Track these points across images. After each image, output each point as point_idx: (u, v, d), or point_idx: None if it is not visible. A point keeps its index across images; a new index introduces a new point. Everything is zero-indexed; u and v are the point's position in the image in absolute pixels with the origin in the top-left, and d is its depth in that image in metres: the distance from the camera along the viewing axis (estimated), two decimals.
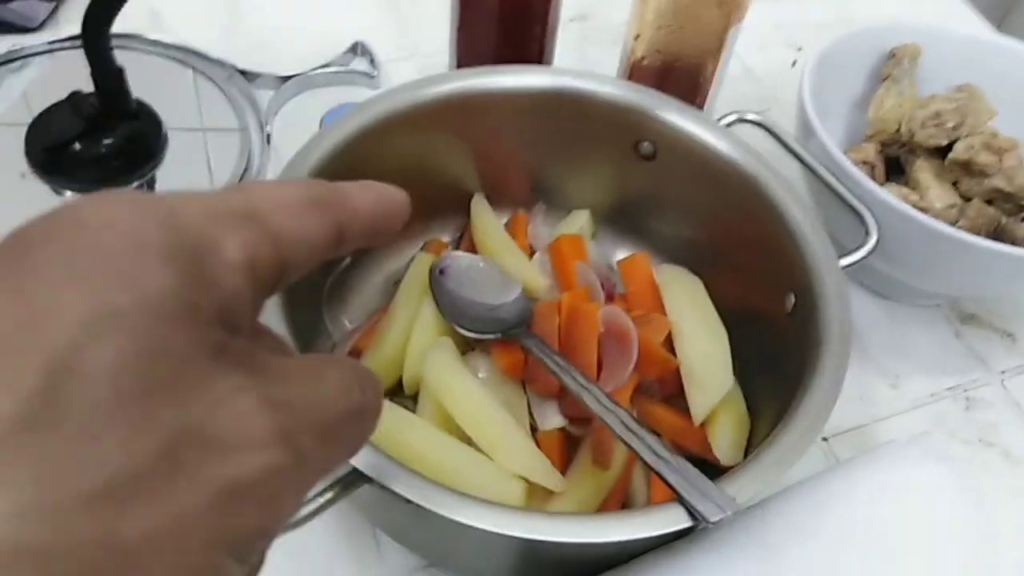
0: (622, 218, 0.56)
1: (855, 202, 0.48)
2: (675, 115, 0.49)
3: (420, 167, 0.52)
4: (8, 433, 0.14)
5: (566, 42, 0.72)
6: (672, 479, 0.34)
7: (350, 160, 0.46)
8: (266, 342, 0.20)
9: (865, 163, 0.55)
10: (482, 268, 0.48)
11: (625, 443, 0.36)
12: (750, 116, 0.51)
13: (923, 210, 0.51)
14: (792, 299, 0.44)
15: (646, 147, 0.51)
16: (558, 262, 0.50)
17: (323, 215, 0.20)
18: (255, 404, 0.17)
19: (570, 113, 0.51)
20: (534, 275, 0.49)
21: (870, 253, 0.46)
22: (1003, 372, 0.54)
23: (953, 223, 0.50)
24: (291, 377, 0.18)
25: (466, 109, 0.50)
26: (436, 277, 0.47)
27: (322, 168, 0.45)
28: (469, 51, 0.57)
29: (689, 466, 0.34)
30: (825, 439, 0.50)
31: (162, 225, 0.17)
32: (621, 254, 0.55)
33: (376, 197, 0.22)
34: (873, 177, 0.55)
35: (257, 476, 0.16)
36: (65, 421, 0.14)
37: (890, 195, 0.47)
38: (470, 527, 0.32)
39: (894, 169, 0.57)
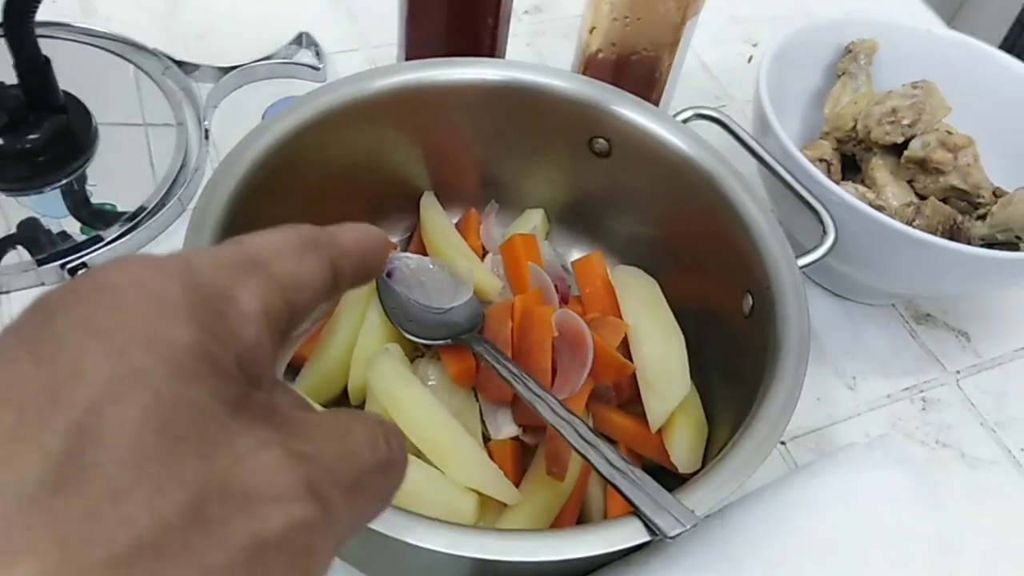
0: (577, 217, 0.54)
1: (813, 200, 0.47)
2: (630, 111, 0.48)
3: (367, 163, 0.49)
4: (32, 497, 0.14)
5: (520, 34, 0.70)
6: (629, 492, 0.33)
7: (292, 155, 0.44)
8: (287, 395, 0.20)
9: (821, 160, 0.54)
10: (431, 270, 0.46)
11: (580, 454, 0.35)
12: (707, 112, 0.50)
13: (879, 208, 0.50)
14: (750, 300, 0.43)
15: (600, 144, 0.49)
16: (511, 263, 0.48)
17: (318, 255, 0.21)
18: (280, 457, 0.17)
19: (522, 108, 0.49)
20: (486, 277, 0.47)
21: (828, 252, 0.45)
22: (958, 372, 0.54)
23: (909, 222, 0.49)
24: (316, 430, 0.18)
25: (414, 103, 0.48)
26: (383, 280, 0.45)
27: (262, 162, 0.42)
28: (418, 43, 0.55)
29: (647, 478, 0.33)
30: (783, 442, 0.49)
31: (180, 282, 0.17)
32: (577, 254, 0.54)
33: (360, 235, 0.23)
34: (830, 174, 0.54)
35: (285, 530, 0.16)
36: (89, 483, 0.14)
37: (848, 193, 0.46)
38: (420, 548, 0.30)
39: (850, 167, 0.57)
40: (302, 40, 0.64)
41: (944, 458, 0.49)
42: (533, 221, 0.53)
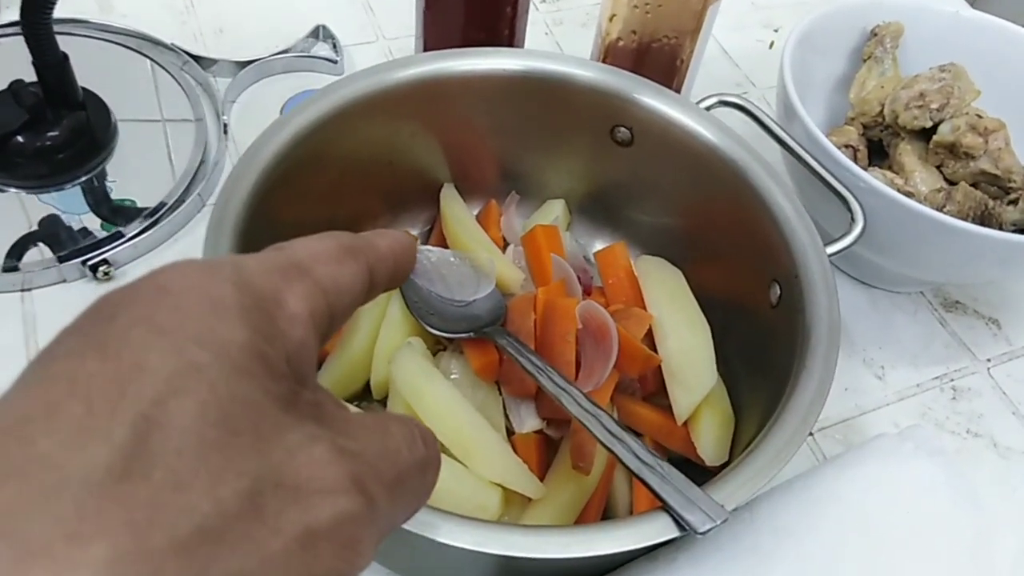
0: (599, 207, 0.53)
1: (840, 187, 0.46)
2: (652, 98, 0.47)
3: (387, 156, 0.49)
4: (101, 484, 0.14)
5: (537, 23, 0.70)
6: (658, 487, 0.32)
7: (311, 149, 0.44)
8: (328, 396, 0.21)
9: (847, 146, 0.53)
10: (452, 263, 0.46)
11: (607, 448, 0.34)
12: (731, 98, 0.49)
13: (908, 194, 0.49)
14: (777, 290, 0.42)
15: (623, 133, 0.49)
16: (533, 255, 0.47)
17: (357, 261, 0.22)
18: (328, 452, 0.17)
19: (543, 98, 0.48)
20: (508, 269, 0.46)
21: (857, 240, 0.44)
22: (989, 360, 0.53)
23: (939, 208, 0.48)
24: (360, 428, 0.19)
25: (433, 94, 0.47)
26: None
27: (281, 157, 0.42)
28: (436, 34, 0.54)
29: (676, 472, 0.32)
30: (811, 434, 0.48)
31: (232, 284, 0.18)
32: (599, 245, 0.53)
33: (392, 240, 0.24)
34: (856, 160, 0.53)
35: (334, 521, 0.17)
36: (154, 471, 0.15)
37: (876, 180, 0.45)
38: (447, 545, 0.29)
39: (877, 152, 0.56)
40: (319, 33, 0.63)
41: (975, 448, 0.48)
42: (554, 212, 0.52)
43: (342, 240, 0.22)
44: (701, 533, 0.30)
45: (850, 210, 0.45)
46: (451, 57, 0.47)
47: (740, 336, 0.45)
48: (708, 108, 0.49)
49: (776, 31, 0.72)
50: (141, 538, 0.14)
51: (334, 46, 0.63)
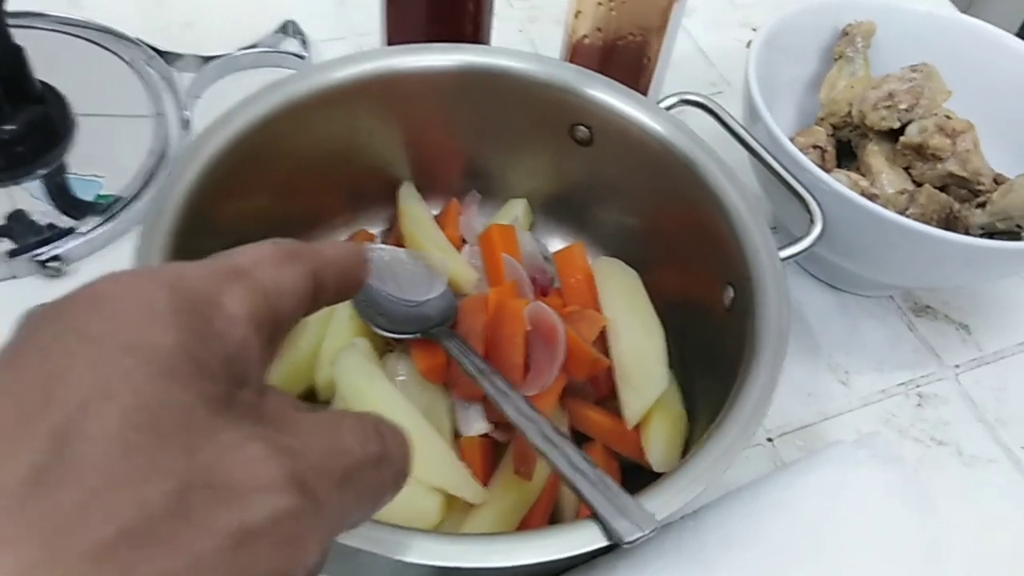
0: (562, 207, 0.53)
1: (801, 189, 0.45)
2: (610, 96, 0.46)
3: (343, 153, 0.48)
4: (17, 495, 0.15)
5: (511, 20, 0.69)
6: (588, 494, 0.31)
7: (261, 144, 0.43)
8: (279, 397, 0.21)
9: (815, 147, 0.52)
10: (406, 262, 0.45)
11: (541, 454, 0.33)
12: (693, 97, 0.49)
13: (873, 196, 0.48)
14: (731, 293, 0.41)
15: (582, 132, 0.48)
16: (488, 255, 0.47)
17: (299, 264, 0.22)
18: (264, 451, 0.17)
19: (502, 96, 0.48)
20: (461, 269, 0.46)
21: (815, 243, 0.43)
22: (957, 366, 0.52)
23: (903, 211, 0.47)
24: (306, 427, 0.19)
25: (388, 90, 0.47)
26: None
27: (227, 152, 0.41)
28: (399, 30, 0.54)
29: (608, 480, 0.32)
30: (770, 439, 0.47)
31: (169, 289, 0.19)
32: (561, 244, 0.52)
33: (340, 249, 0.24)
34: (824, 162, 0.52)
35: (270, 519, 0.17)
36: (74, 478, 0.15)
37: (836, 181, 0.44)
38: (359, 550, 0.29)
39: (847, 154, 0.55)
40: (288, 28, 0.63)
41: (939, 456, 0.47)
42: (515, 211, 0.52)
43: (283, 246, 0.22)
44: (628, 543, 0.30)
45: (809, 212, 0.44)
46: (405, 53, 0.46)
47: (697, 338, 0.44)
48: (671, 107, 0.48)
49: (755, 30, 0.71)
50: (54, 545, 0.14)
51: (303, 42, 0.62)
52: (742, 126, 0.48)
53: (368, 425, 0.21)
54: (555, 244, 0.53)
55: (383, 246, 0.46)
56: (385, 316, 0.42)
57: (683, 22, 0.70)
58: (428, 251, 0.46)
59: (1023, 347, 0.53)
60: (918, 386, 0.50)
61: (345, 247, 0.24)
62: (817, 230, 0.43)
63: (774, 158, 0.46)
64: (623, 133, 0.46)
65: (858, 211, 0.44)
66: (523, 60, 0.46)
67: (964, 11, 0.76)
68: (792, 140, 0.53)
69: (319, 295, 0.23)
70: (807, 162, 0.45)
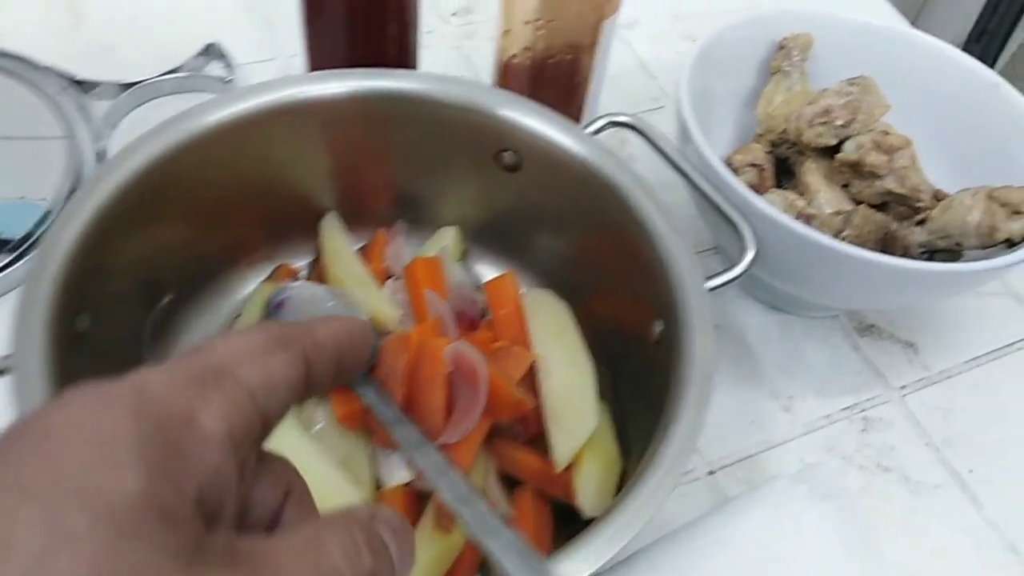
0: (495, 233, 0.51)
1: (732, 213, 0.43)
2: (534, 121, 0.44)
3: (263, 182, 0.46)
4: None
5: (448, 37, 0.67)
6: (500, 554, 0.29)
7: (174, 172, 0.41)
8: (255, 511, 0.19)
9: (753, 166, 0.51)
10: (325, 300, 0.43)
11: (452, 510, 0.31)
12: (622, 118, 0.47)
13: (810, 217, 0.47)
14: (660, 325, 0.40)
15: (509, 157, 0.46)
16: (412, 290, 0.45)
17: (288, 351, 0.20)
18: None
19: (425, 122, 0.46)
20: (382, 306, 0.43)
21: (746, 270, 0.42)
22: (903, 388, 0.50)
23: (838, 232, 0.46)
24: (283, 557, 0.17)
25: (308, 117, 0.45)
26: (271, 314, 0.41)
27: (137, 180, 0.39)
28: (319, 52, 0.52)
29: (519, 539, 0.30)
30: (712, 472, 0.46)
31: (131, 412, 0.16)
32: (496, 272, 0.50)
33: (337, 327, 0.22)
34: (761, 181, 0.51)
35: None
36: None
37: (769, 204, 0.43)
38: None
39: (789, 171, 0.53)
40: (211, 51, 0.60)
41: (885, 483, 0.46)
42: (444, 240, 0.50)
43: (271, 331, 0.20)
44: None
45: (741, 237, 0.43)
46: (322, 80, 0.44)
47: (629, 372, 0.43)
48: (599, 130, 0.46)
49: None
50: None
51: (228, 65, 0.60)
52: (675, 147, 0.46)
53: (358, 535, 0.19)
54: (490, 272, 0.51)
55: (301, 283, 0.44)
56: None
57: (624, 35, 0.69)
58: (349, 287, 0.44)
59: (971, 364, 0.52)
60: (863, 410, 0.49)
61: (342, 324, 0.22)
62: (748, 257, 0.42)
63: (706, 180, 0.45)
64: (549, 159, 0.44)
65: (790, 235, 0.42)
66: (444, 85, 0.44)
67: (913, 22, 0.76)
68: (729, 158, 0.52)
69: (312, 383, 0.21)
70: (738, 185, 0.43)
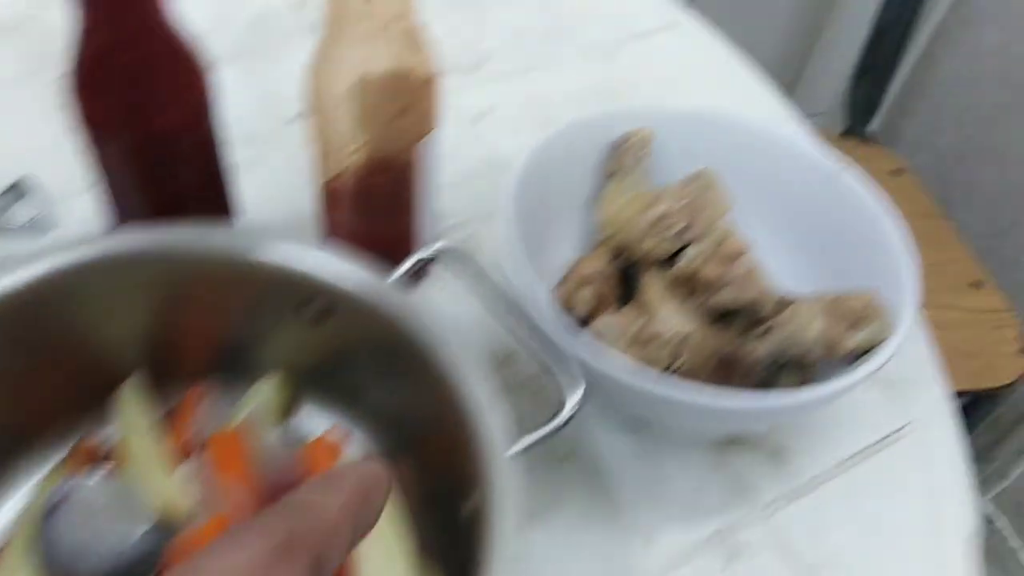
0: (323, 381, 0.47)
1: (549, 360, 0.40)
2: (335, 271, 0.41)
3: (62, 344, 0.42)
4: None
5: (287, 144, 0.63)
6: None
7: None
8: None
9: (593, 279, 0.48)
10: (110, 494, 0.38)
11: None
12: (430, 254, 0.43)
13: (648, 341, 0.44)
14: (471, 497, 0.36)
15: (313, 310, 0.42)
16: (207, 475, 0.40)
17: (295, 561, 0.17)
18: None
19: (228, 274, 0.42)
20: (172, 496, 0.39)
21: (566, 423, 0.38)
22: (771, 503, 0.47)
23: (675, 358, 0.43)
24: None
25: (108, 274, 0.41)
26: (45, 520, 0.37)
27: None
28: (117, 200, 0.47)
29: None
30: None
31: None
32: (325, 423, 0.47)
33: (350, 493, 0.19)
34: (602, 298, 0.47)
35: None
36: None
37: (583, 344, 0.39)
38: None
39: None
40: (20, 188, 0.56)
41: None
42: (261, 396, 0.46)
43: (273, 537, 0.17)
44: None
45: (558, 388, 0.39)
46: (119, 236, 0.41)
47: (446, 541, 0.39)
48: (411, 270, 0.43)
49: None
50: None
51: (39, 201, 0.56)
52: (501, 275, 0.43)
53: None
54: (319, 422, 0.47)
55: (82, 479, 0.39)
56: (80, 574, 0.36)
57: (473, 128, 0.66)
58: (140, 472, 0.40)
59: (843, 467, 0.49)
60: (728, 536, 0.46)
61: (356, 487, 0.19)
62: (566, 411, 0.38)
63: (526, 321, 0.41)
64: (354, 312, 0.41)
65: (609, 380, 0.39)
66: (242, 239, 0.41)
67: (800, 65, 0.74)
68: (570, 272, 0.49)
69: None
70: (550, 322, 0.40)
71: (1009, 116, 1.25)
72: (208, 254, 0.42)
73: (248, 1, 0.72)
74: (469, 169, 0.63)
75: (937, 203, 1.14)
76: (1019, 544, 1.34)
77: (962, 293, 1.03)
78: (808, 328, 0.42)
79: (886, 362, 0.40)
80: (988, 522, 1.35)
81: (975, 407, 1.07)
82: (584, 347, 0.39)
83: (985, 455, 1.32)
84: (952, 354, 0.98)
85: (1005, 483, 1.33)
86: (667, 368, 0.42)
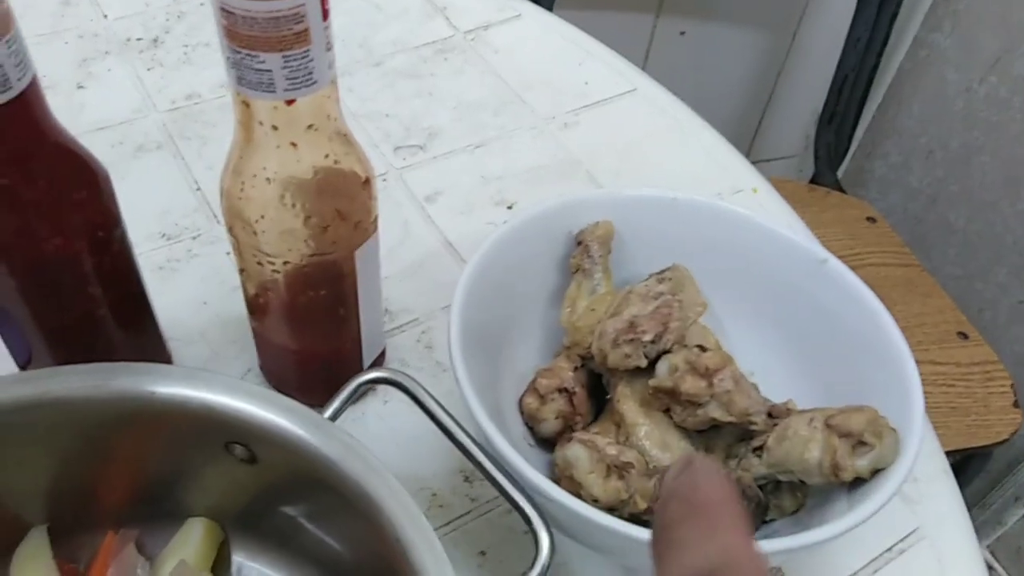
0: (257, 524, 0.41)
1: (520, 499, 0.35)
2: (257, 411, 0.35)
3: None
4: None
5: (220, 242, 0.58)
6: None
7: None
8: None
9: (561, 391, 0.43)
10: None
11: None
12: (377, 374, 0.38)
13: (625, 468, 0.38)
14: None
15: (240, 450, 0.37)
16: None
17: None
18: None
19: (144, 417, 0.36)
20: None
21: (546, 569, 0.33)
22: None
23: (654, 499, 0.37)
24: None
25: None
26: None
27: None
28: (14, 334, 0.41)
29: None
30: None
31: None
32: (265, 565, 0.41)
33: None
34: (571, 412, 0.42)
35: None
36: None
37: (550, 485, 0.34)
38: None
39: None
40: None
41: None
42: (192, 539, 0.40)
43: None
44: None
45: (532, 530, 0.34)
46: (10, 384, 0.35)
47: None
48: (351, 397, 0.37)
49: (510, 208, 0.62)
50: None
51: None
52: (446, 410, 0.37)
53: None
54: (260, 561, 0.41)
55: None
56: None
57: (425, 211, 0.61)
58: None
59: None
60: None
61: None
62: (543, 559, 0.33)
63: (482, 451, 0.36)
64: (284, 452, 0.35)
65: (587, 524, 0.34)
66: (154, 379, 0.35)
67: (762, 112, 0.70)
68: (534, 382, 0.44)
69: None
70: (527, 470, 0.34)
71: (978, 156, 1.23)
72: (117, 394, 0.36)
73: (176, 80, 0.67)
74: (423, 255, 0.58)
75: (913, 248, 1.11)
76: None
77: (949, 346, 0.99)
78: (805, 451, 0.37)
79: (895, 493, 0.35)
80: (988, 570, 1.30)
81: (969, 461, 1.03)
82: (550, 487, 0.34)
83: (980, 501, 1.28)
84: (945, 412, 0.95)
85: (1002, 529, 1.29)
86: (648, 508, 0.37)
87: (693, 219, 0.47)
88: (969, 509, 0.48)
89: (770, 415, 0.41)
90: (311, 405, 0.35)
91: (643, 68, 0.79)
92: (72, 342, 0.41)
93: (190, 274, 0.54)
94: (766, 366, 0.45)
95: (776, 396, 0.43)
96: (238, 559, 0.42)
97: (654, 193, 0.48)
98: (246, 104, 0.35)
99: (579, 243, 0.46)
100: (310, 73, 0.34)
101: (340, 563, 0.39)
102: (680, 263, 0.45)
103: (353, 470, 0.33)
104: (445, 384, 0.49)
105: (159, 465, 0.39)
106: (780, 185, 0.69)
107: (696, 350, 0.40)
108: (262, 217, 0.38)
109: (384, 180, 0.62)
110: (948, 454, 0.50)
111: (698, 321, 0.43)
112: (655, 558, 0.21)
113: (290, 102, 0.34)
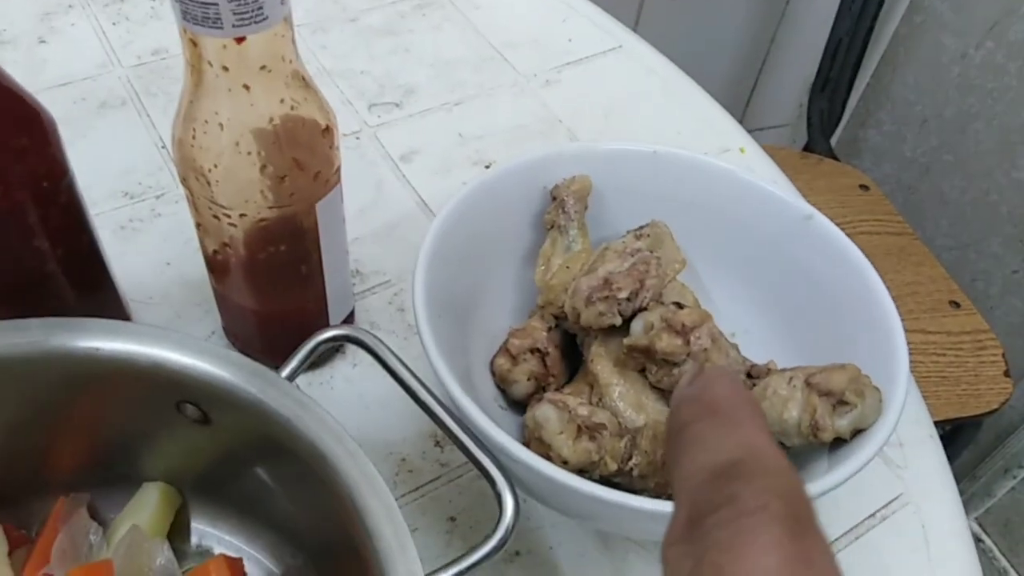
0: (218, 488, 0.39)
1: (485, 460, 0.33)
2: (213, 370, 0.33)
3: None
4: None
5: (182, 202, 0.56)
6: None
7: None
8: None
9: (534, 351, 0.41)
10: None
11: None
12: (337, 332, 0.36)
13: (597, 429, 0.37)
14: None
15: (192, 410, 0.35)
16: None
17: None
18: None
19: (91, 375, 0.34)
20: None
21: (504, 542, 0.31)
22: None
23: (626, 459, 0.36)
24: None
25: None
26: None
27: None
28: None
29: None
30: None
31: None
32: (225, 530, 0.39)
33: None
34: (544, 374, 0.41)
35: None
36: None
37: (515, 445, 0.32)
38: None
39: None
40: None
41: None
42: (147, 503, 0.38)
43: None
44: None
45: (496, 492, 0.32)
46: None
47: None
48: (307, 360, 0.35)
49: (488, 167, 0.60)
50: None
51: None
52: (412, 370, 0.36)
53: None
54: (211, 538, 0.39)
55: None
56: None
57: (400, 171, 0.59)
58: None
59: None
60: None
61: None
62: (507, 522, 0.31)
63: (448, 413, 0.34)
64: (237, 412, 0.33)
65: (547, 482, 0.32)
66: (102, 334, 0.33)
67: (754, 81, 0.68)
68: (505, 344, 0.42)
69: None
70: (485, 425, 0.33)
71: (973, 124, 1.21)
72: (58, 352, 0.34)
73: (142, 36, 0.65)
74: (397, 216, 0.56)
75: (906, 218, 1.10)
76: (1008, 563, 1.29)
77: (941, 314, 0.98)
78: (784, 411, 0.35)
79: (877, 453, 0.33)
80: (976, 541, 1.30)
81: (959, 432, 1.02)
82: (515, 447, 0.32)
83: (969, 473, 1.27)
84: (935, 382, 0.93)
85: (991, 501, 1.28)
86: (619, 470, 0.35)
87: (674, 174, 0.45)
88: (958, 481, 0.47)
89: (749, 375, 0.39)
90: (274, 368, 0.34)
91: (634, 27, 0.76)
92: (19, 302, 0.39)
93: (153, 234, 0.52)
94: (748, 326, 0.43)
95: (758, 356, 0.41)
96: (199, 526, 0.40)
97: (633, 147, 0.46)
98: (194, 43, 0.33)
99: (554, 198, 0.44)
100: (260, 8, 0.32)
101: (303, 531, 0.37)
102: (660, 220, 0.43)
103: (308, 430, 0.32)
104: (416, 347, 0.47)
105: (110, 427, 0.37)
106: (772, 152, 0.67)
107: (673, 307, 0.38)
108: (215, 166, 0.36)
109: (357, 138, 0.60)
110: (937, 424, 0.49)
111: (676, 279, 0.41)
112: (670, 462, 0.20)
113: (240, 40, 0.32)
